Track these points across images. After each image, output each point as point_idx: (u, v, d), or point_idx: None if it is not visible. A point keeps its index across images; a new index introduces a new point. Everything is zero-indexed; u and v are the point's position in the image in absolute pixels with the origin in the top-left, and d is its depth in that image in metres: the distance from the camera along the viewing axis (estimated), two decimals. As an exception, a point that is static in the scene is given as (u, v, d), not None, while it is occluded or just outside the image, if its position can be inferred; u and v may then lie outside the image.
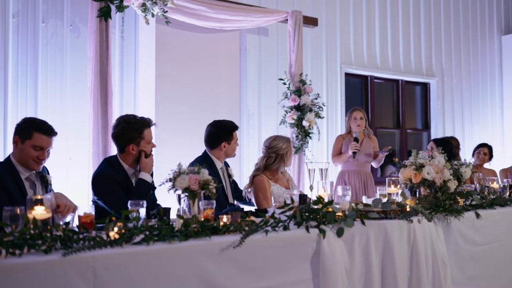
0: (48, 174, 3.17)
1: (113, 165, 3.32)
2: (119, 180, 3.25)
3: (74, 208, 2.66)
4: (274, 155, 3.96)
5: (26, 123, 2.97)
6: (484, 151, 6.11)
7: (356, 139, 5.16)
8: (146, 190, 3.20)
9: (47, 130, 2.96)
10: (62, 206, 2.64)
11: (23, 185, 2.93)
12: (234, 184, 4.11)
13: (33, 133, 2.91)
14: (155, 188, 3.27)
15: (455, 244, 3.30)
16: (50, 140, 2.97)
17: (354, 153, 5.16)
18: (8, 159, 2.98)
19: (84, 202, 3.81)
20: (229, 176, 3.99)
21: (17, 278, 1.79)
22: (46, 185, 3.07)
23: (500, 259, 3.64)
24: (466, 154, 6.54)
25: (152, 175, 3.39)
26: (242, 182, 5.36)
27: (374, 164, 5.45)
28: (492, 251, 3.58)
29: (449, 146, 5.59)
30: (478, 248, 3.46)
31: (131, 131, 3.27)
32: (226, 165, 4.03)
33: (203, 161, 3.67)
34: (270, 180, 3.96)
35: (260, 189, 3.90)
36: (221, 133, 3.86)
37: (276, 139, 4.03)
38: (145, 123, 3.33)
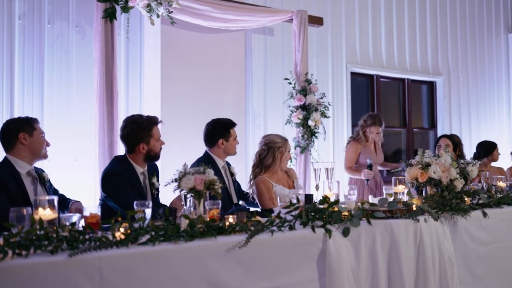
0: (44, 172, 3.20)
1: (123, 163, 3.35)
2: (129, 178, 3.29)
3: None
4: (266, 148, 3.97)
5: (20, 121, 3.13)
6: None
7: (370, 166, 4.93)
8: None
9: (35, 120, 3.17)
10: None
11: (22, 183, 2.98)
12: (237, 184, 4.09)
13: (33, 124, 3.11)
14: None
15: (462, 244, 3.28)
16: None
17: (367, 179, 4.98)
18: (5, 160, 3.03)
19: (90, 202, 3.83)
20: (232, 174, 3.98)
21: (24, 278, 1.80)
22: (43, 182, 3.11)
23: (508, 258, 3.62)
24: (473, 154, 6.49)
25: (157, 177, 3.41)
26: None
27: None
28: (500, 250, 3.55)
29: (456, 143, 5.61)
30: (486, 247, 3.43)
31: (140, 130, 3.33)
32: (228, 164, 4.02)
33: (204, 160, 3.65)
34: (271, 181, 3.93)
35: (264, 189, 3.88)
36: (217, 130, 3.86)
37: (271, 134, 4.12)
38: (153, 121, 3.40)
